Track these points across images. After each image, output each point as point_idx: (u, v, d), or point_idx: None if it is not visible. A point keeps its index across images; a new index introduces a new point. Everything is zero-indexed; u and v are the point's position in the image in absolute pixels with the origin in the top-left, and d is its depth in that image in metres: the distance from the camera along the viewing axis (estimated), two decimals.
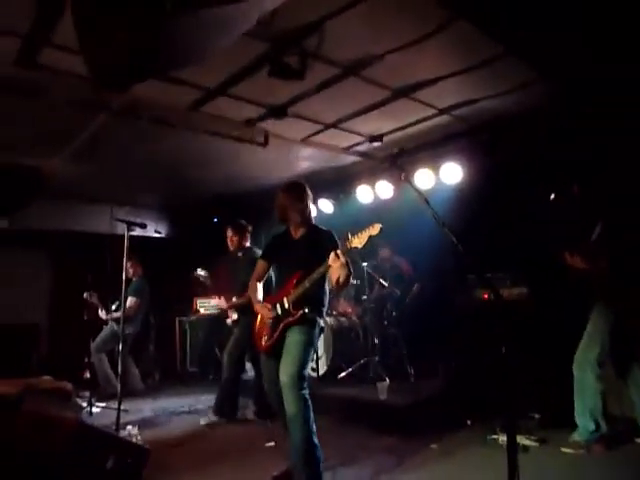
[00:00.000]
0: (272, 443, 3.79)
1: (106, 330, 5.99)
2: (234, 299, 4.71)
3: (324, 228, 3.23)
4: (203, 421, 4.60)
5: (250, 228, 4.89)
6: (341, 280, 2.92)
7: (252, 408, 4.80)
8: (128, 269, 5.92)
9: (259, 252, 4.62)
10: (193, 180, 6.22)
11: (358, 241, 2.81)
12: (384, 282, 5.72)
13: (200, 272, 5.76)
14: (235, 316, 4.72)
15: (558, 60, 3.46)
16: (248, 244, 4.83)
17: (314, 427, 2.88)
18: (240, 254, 4.80)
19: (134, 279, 6.18)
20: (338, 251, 2.82)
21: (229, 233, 4.81)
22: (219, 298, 4.88)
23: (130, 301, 5.91)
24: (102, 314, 5.96)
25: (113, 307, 6.09)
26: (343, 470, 3.30)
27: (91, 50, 2.25)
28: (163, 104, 3.94)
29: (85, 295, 5.83)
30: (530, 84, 3.78)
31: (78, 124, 4.22)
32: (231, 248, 4.82)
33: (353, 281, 6.05)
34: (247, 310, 4.44)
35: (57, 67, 3.25)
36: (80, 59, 2.30)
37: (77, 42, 2.17)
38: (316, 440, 2.87)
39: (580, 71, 3.62)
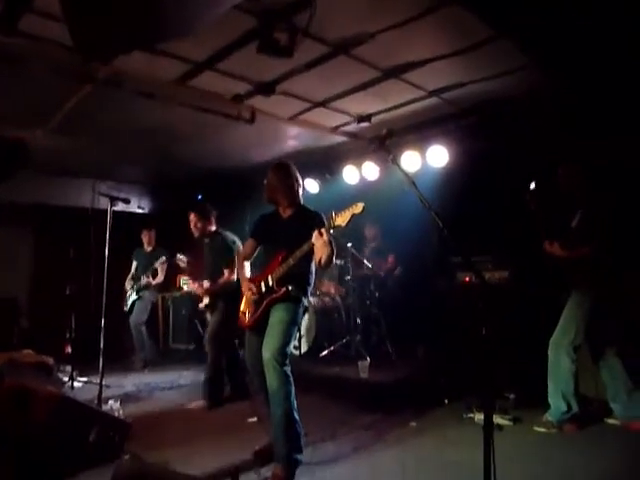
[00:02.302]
0: (254, 418, 3.84)
1: (145, 300, 6.33)
2: (205, 283, 4.58)
3: (312, 209, 3.23)
4: (192, 405, 4.48)
5: (215, 212, 4.69)
6: (324, 259, 2.94)
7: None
8: (143, 238, 6.48)
9: (230, 236, 4.58)
10: (177, 155, 6.15)
11: (341, 219, 2.82)
12: (368, 263, 5.77)
13: (180, 257, 5.68)
14: (206, 300, 4.60)
15: (548, 45, 3.47)
16: (214, 228, 4.67)
17: (295, 403, 2.93)
18: (207, 240, 4.66)
19: (148, 248, 6.54)
20: (322, 229, 2.84)
21: (192, 218, 4.61)
22: (193, 282, 4.70)
23: (162, 268, 6.31)
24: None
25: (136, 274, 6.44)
26: (324, 445, 3.37)
27: (75, 19, 2.19)
28: (149, 77, 3.86)
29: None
30: (520, 69, 3.79)
31: (62, 95, 4.11)
32: (196, 234, 4.65)
33: (337, 261, 6.10)
34: (222, 295, 4.47)
35: (40, 35, 3.15)
36: (64, 27, 2.24)
37: (60, 9, 2.11)
38: (297, 415, 2.93)
39: (570, 56, 3.63)
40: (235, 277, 4.46)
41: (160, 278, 6.41)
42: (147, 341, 6.39)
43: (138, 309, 6.30)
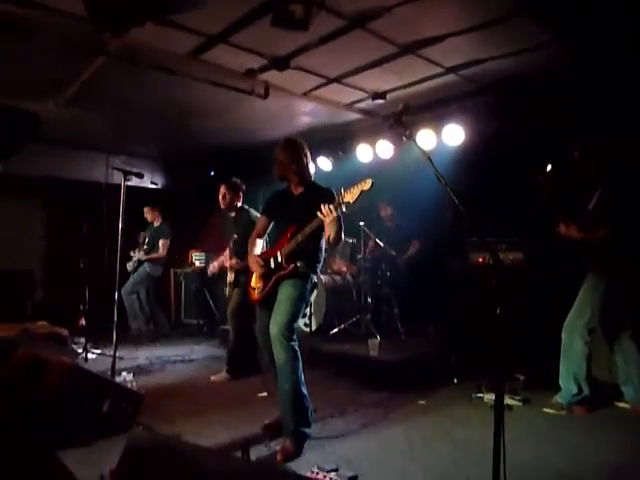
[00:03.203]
0: (264, 393, 3.87)
1: (140, 272, 6.43)
2: (221, 257, 4.63)
3: (323, 186, 3.20)
4: (214, 377, 4.61)
5: (244, 187, 4.74)
6: (332, 235, 2.94)
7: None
8: (146, 215, 6.62)
9: (255, 213, 4.58)
10: (190, 131, 6.12)
11: (350, 196, 2.79)
12: (380, 242, 5.74)
13: (214, 264, 5.45)
14: (232, 276, 4.64)
15: (570, 22, 3.36)
16: (240, 204, 4.69)
17: (302, 377, 2.96)
18: (232, 214, 4.71)
19: (155, 224, 6.66)
20: (330, 205, 2.81)
21: (222, 190, 4.65)
22: (227, 259, 4.74)
23: (164, 243, 6.47)
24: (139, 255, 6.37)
25: (145, 248, 6.56)
26: (332, 421, 3.40)
27: None
28: (162, 50, 3.81)
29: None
30: (540, 46, 3.68)
31: (74, 68, 4.10)
32: (222, 206, 4.69)
33: (349, 240, 6.08)
34: (246, 271, 4.50)
35: (53, 6, 3.12)
36: None
37: None
38: (304, 390, 2.96)
39: (590, 34, 3.52)
40: None
41: (161, 253, 6.48)
42: (139, 312, 6.48)
43: (133, 278, 6.41)
